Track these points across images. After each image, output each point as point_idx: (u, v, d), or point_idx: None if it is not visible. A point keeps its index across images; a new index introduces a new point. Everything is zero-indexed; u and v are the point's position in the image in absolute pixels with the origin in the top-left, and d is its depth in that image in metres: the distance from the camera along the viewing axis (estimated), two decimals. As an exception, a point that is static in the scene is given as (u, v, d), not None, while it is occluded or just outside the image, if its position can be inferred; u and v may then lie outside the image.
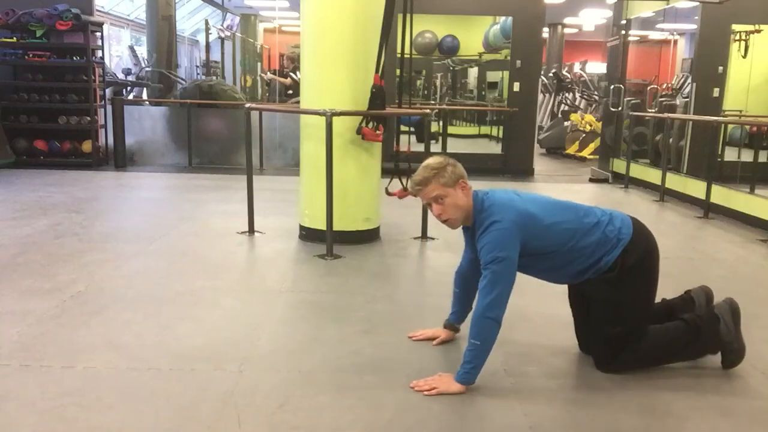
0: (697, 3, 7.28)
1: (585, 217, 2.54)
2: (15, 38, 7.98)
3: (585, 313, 2.71)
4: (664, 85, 9.40)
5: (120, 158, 8.41)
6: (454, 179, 2.49)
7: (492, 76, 13.75)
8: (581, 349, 2.80)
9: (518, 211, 2.44)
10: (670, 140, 7.68)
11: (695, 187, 6.60)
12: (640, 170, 8.00)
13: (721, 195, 6.13)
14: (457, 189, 2.49)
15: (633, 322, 2.56)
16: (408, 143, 5.26)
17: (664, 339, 2.62)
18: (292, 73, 10.18)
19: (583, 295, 2.69)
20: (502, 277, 2.37)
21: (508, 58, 9.01)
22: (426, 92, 14.40)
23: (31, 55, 8.00)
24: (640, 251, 2.51)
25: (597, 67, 17.03)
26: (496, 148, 9.96)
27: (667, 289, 3.80)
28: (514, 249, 2.40)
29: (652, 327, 2.61)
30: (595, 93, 12.59)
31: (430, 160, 2.54)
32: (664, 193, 7.00)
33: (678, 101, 8.31)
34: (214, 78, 11.15)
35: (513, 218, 2.41)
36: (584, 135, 11.15)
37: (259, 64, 17.70)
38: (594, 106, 12.39)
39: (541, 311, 3.34)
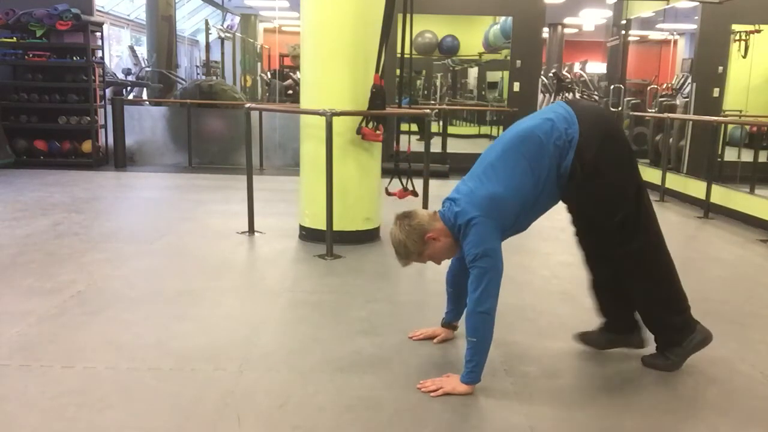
0: (697, 3, 7.28)
1: (527, 145, 2.43)
2: (15, 38, 7.98)
3: (585, 228, 2.68)
4: (664, 85, 9.39)
5: (120, 158, 8.41)
6: (420, 243, 2.48)
7: (492, 76, 13.76)
8: (592, 279, 2.77)
9: (480, 202, 2.39)
10: (670, 140, 7.68)
11: (695, 187, 6.60)
12: (640, 170, 7.99)
13: (721, 195, 6.13)
14: (427, 245, 2.49)
15: (628, 202, 2.49)
16: (408, 143, 5.26)
17: (671, 272, 2.60)
18: (292, 73, 10.18)
19: (576, 214, 2.66)
20: (488, 270, 2.36)
21: (508, 58, 9.02)
22: (426, 92, 14.41)
23: (31, 55, 8.00)
24: (595, 141, 2.40)
25: (597, 67, 17.03)
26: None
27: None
28: (494, 239, 2.38)
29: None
30: (595, 93, 12.59)
31: (392, 239, 2.53)
32: (664, 193, 7.00)
33: (678, 101, 8.31)
34: (214, 78, 11.15)
35: (480, 211, 2.38)
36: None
37: (259, 64, 17.70)
38: (594, 106, 12.37)
39: (541, 311, 3.34)
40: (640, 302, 2.67)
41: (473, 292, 2.36)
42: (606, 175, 2.43)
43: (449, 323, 2.89)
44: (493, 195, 2.40)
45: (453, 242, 2.51)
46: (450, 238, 2.50)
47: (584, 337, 2.85)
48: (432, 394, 2.39)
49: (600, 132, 2.43)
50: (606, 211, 2.49)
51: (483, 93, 13.99)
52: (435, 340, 2.87)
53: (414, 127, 7.05)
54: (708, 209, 6.11)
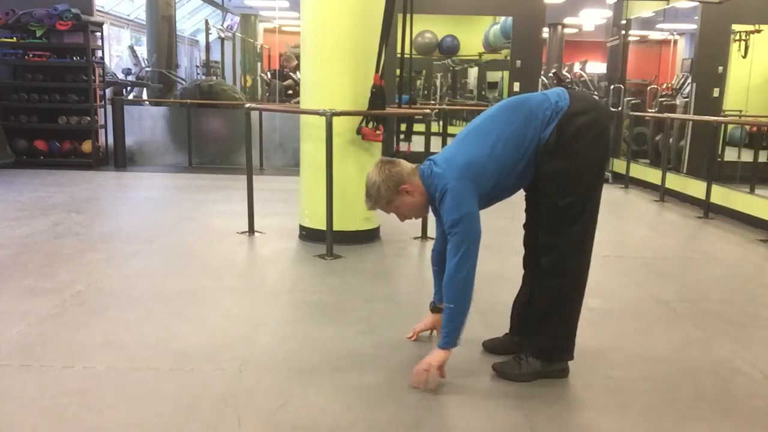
0: (697, 3, 7.28)
1: (517, 112, 2.42)
2: (15, 38, 7.98)
3: (531, 211, 2.62)
4: (664, 85, 9.39)
5: (120, 158, 8.41)
6: (393, 191, 2.47)
7: (492, 76, 13.76)
8: (524, 260, 2.68)
9: (458, 166, 2.39)
10: (670, 140, 7.68)
11: (695, 187, 6.60)
12: (640, 170, 8.00)
13: (721, 195, 6.13)
14: (399, 196, 2.48)
15: (583, 190, 2.42)
16: (408, 143, 5.26)
17: (579, 289, 2.53)
18: (292, 73, 10.17)
19: (530, 193, 2.59)
20: (465, 236, 2.35)
21: (508, 58, 9.03)
22: (426, 92, 14.41)
23: (31, 55, 8.00)
24: (578, 119, 2.36)
25: (597, 67, 17.01)
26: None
27: (668, 288, 3.83)
28: (470, 204, 2.36)
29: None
30: (595, 93, 12.57)
31: (367, 179, 2.52)
32: (664, 193, 7.00)
33: (678, 101, 8.31)
34: (214, 78, 11.15)
35: (457, 175, 2.37)
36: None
37: (259, 64, 17.69)
38: (594, 106, 12.36)
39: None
40: (544, 298, 2.55)
41: (452, 259, 2.36)
42: (576, 154, 2.37)
43: (437, 306, 2.82)
44: (473, 159, 2.40)
45: (425, 202, 2.51)
46: (424, 197, 2.49)
47: (489, 345, 2.81)
48: (423, 386, 2.41)
49: (588, 115, 2.39)
50: (559, 189, 2.41)
51: (483, 93, 13.99)
52: (431, 335, 2.86)
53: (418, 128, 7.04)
54: (708, 209, 6.11)
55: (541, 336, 2.54)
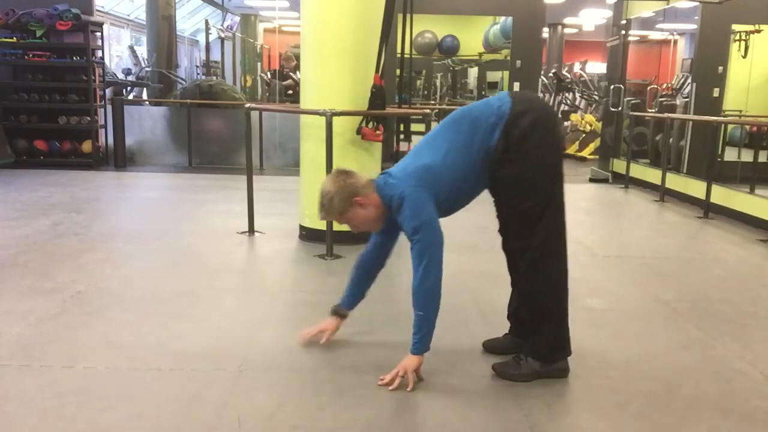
0: (697, 3, 7.28)
1: (463, 122, 2.46)
2: (15, 38, 7.98)
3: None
4: (664, 85, 9.40)
5: (120, 158, 8.42)
6: (346, 203, 2.47)
7: (492, 76, 13.76)
8: (507, 265, 2.67)
9: (413, 174, 2.42)
10: (670, 140, 7.68)
11: (695, 187, 6.60)
12: (640, 170, 8.00)
13: (721, 195, 6.13)
14: (352, 208, 2.48)
15: (540, 192, 2.43)
16: (408, 143, 5.25)
17: (561, 286, 2.53)
18: (292, 73, 10.17)
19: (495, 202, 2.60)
20: (428, 243, 2.38)
21: (508, 58, 9.02)
22: (426, 92, 14.41)
23: (31, 55, 8.01)
24: (523, 121, 2.37)
25: (597, 67, 17.02)
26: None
27: (668, 288, 3.83)
28: (428, 210, 2.39)
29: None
30: (595, 93, 12.58)
31: (321, 189, 2.51)
32: (664, 193, 7.00)
33: (678, 101, 8.31)
34: (214, 78, 11.15)
35: (412, 183, 2.40)
36: (584, 135, 11.15)
37: (259, 64, 17.70)
38: (594, 106, 12.39)
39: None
40: (529, 302, 2.58)
41: (416, 268, 2.39)
42: (527, 155, 2.38)
43: (339, 310, 2.81)
44: (427, 165, 2.43)
45: (379, 215, 2.51)
46: (379, 210, 2.50)
47: (489, 345, 2.80)
48: (391, 387, 2.41)
49: (531, 115, 2.40)
50: (517, 194, 2.43)
51: (483, 93, 13.98)
52: (322, 341, 2.77)
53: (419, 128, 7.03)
54: (708, 209, 6.11)
55: (535, 337, 2.56)
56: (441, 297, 2.43)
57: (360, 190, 2.48)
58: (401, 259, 4.39)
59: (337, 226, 4.29)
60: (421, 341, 2.44)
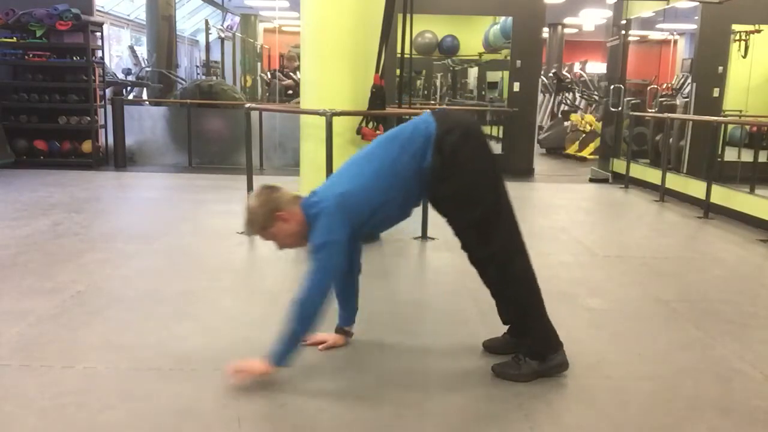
0: (697, 3, 7.28)
1: (393, 142, 2.49)
2: (15, 38, 7.98)
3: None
4: (664, 85, 9.40)
5: (120, 158, 8.42)
6: (269, 219, 2.45)
7: (492, 76, 13.76)
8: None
9: (335, 195, 2.44)
10: (670, 140, 7.68)
11: (695, 187, 6.60)
12: (640, 170, 8.00)
13: (721, 195, 6.13)
14: (275, 223, 2.46)
15: (485, 199, 2.47)
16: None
17: (531, 282, 2.55)
18: (292, 73, 10.18)
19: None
20: (323, 266, 2.39)
21: (508, 58, 9.02)
22: (426, 92, 14.41)
23: (31, 55, 8.00)
24: (452, 136, 2.41)
25: (597, 67, 17.03)
26: (496, 148, 9.96)
27: (668, 288, 3.83)
28: (338, 232, 2.39)
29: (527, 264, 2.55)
30: (595, 93, 12.58)
31: (247, 203, 2.51)
32: (664, 193, 7.00)
33: (678, 101, 8.31)
34: (214, 78, 11.16)
35: (332, 203, 2.41)
36: (584, 135, 11.15)
37: (259, 64, 17.70)
38: (594, 106, 12.39)
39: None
40: (509, 305, 2.62)
41: (304, 282, 2.39)
42: (462, 168, 2.42)
43: (341, 328, 2.85)
44: (347, 191, 2.44)
45: (303, 232, 2.48)
46: (302, 227, 2.48)
47: (489, 345, 2.80)
48: (233, 379, 2.39)
49: (458, 129, 2.44)
50: (463, 207, 2.48)
51: (483, 93, 13.99)
52: (320, 347, 2.77)
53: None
54: (708, 209, 6.11)
55: (528, 337, 2.59)
56: (313, 323, 2.41)
57: (283, 205, 2.46)
58: (402, 259, 4.41)
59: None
60: (277, 354, 2.37)
